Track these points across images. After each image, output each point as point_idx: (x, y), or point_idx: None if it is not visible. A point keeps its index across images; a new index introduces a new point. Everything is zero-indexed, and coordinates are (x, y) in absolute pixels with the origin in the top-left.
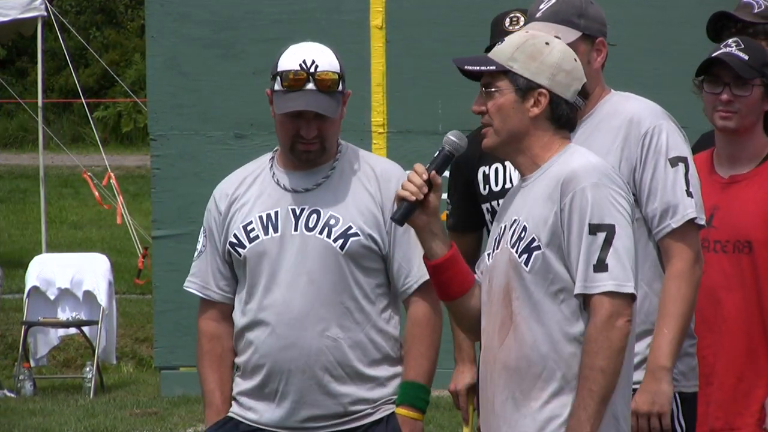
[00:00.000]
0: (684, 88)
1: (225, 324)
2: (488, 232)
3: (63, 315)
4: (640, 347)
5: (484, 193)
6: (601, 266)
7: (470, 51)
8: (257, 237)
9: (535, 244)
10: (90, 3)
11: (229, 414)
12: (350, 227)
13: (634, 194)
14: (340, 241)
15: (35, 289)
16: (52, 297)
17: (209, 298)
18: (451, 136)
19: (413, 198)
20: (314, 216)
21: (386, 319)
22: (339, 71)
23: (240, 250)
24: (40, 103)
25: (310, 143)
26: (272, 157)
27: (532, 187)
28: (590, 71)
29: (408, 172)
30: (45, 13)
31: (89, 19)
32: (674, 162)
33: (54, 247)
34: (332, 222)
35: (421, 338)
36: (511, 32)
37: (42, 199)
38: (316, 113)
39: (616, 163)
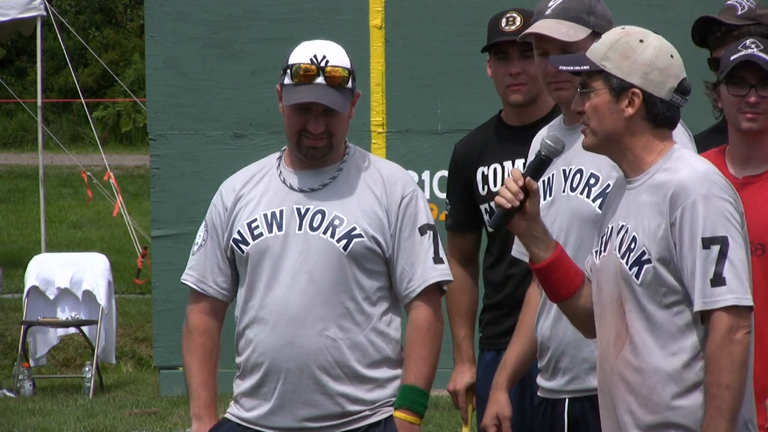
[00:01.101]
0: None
1: (215, 319)
2: (487, 232)
3: (62, 315)
4: None
5: (483, 193)
6: (718, 280)
7: (469, 51)
8: (261, 234)
9: (645, 257)
10: (89, 3)
11: (226, 415)
12: (354, 228)
13: None
14: (344, 242)
15: (34, 288)
16: (51, 297)
17: (204, 292)
18: (548, 140)
19: (509, 205)
20: (319, 216)
21: (387, 321)
22: (350, 68)
23: (243, 247)
24: (39, 103)
25: (317, 139)
26: (280, 156)
27: (638, 193)
28: None
29: (410, 173)
30: (44, 13)
31: (88, 18)
32: None
33: (53, 246)
34: (336, 222)
35: (421, 342)
36: (508, 32)
37: (41, 198)
38: (324, 108)
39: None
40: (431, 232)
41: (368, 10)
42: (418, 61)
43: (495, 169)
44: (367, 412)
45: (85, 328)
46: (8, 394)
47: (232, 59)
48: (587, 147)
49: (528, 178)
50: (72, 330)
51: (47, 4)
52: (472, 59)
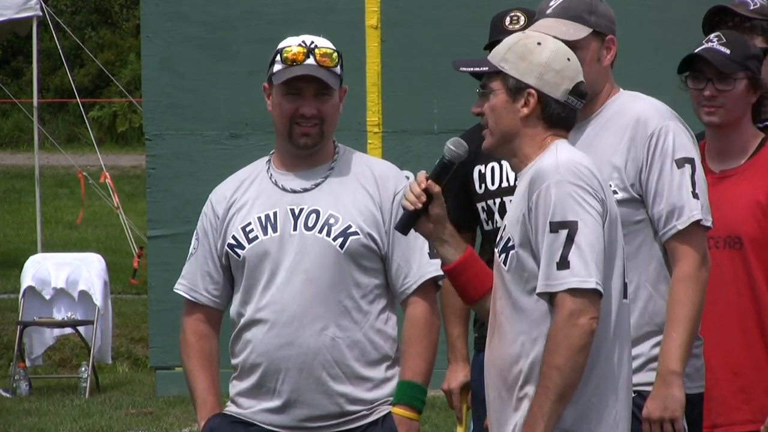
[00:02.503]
0: (679, 88)
1: (210, 325)
2: (482, 231)
3: (58, 315)
4: (644, 349)
5: (480, 191)
6: (563, 263)
7: (466, 51)
8: (256, 237)
9: (510, 243)
10: (85, 3)
11: (225, 412)
12: (350, 226)
13: (640, 195)
14: (340, 240)
15: (30, 289)
16: (47, 297)
17: (196, 300)
18: (450, 145)
19: (412, 207)
20: (313, 215)
21: (384, 319)
22: (339, 53)
23: (239, 251)
24: (35, 103)
25: (310, 125)
26: (268, 160)
27: (517, 189)
28: (600, 69)
29: (406, 172)
30: (40, 13)
31: (84, 18)
32: (680, 163)
33: (49, 247)
34: (332, 221)
35: (418, 338)
36: (511, 31)
37: (37, 199)
38: (315, 92)
39: (622, 163)
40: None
41: (364, 10)
42: (414, 61)
43: (492, 168)
44: (365, 412)
45: (81, 329)
46: (4, 394)
47: (228, 60)
48: (486, 149)
49: (430, 182)
50: (68, 330)
51: (43, 4)
52: None
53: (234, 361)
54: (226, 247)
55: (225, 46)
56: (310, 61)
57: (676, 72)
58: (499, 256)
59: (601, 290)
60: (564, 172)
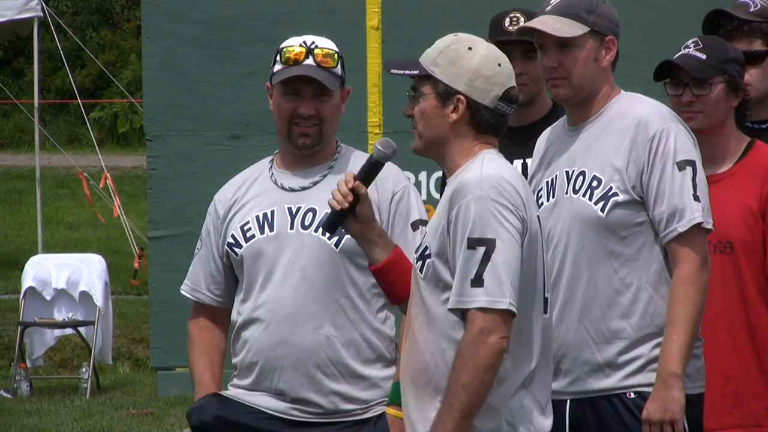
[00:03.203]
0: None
1: (215, 323)
2: None
3: (59, 315)
4: (644, 350)
5: None
6: (478, 281)
7: None
8: (253, 236)
9: (427, 252)
10: (86, 4)
11: (221, 393)
12: None
13: (641, 197)
14: (335, 239)
15: (31, 289)
16: (48, 297)
17: (199, 300)
18: (378, 145)
19: (339, 207)
20: (310, 214)
21: (381, 319)
22: (338, 52)
23: (237, 250)
24: (36, 104)
25: (308, 125)
26: (272, 159)
27: (443, 195)
28: (597, 69)
29: (406, 173)
30: (41, 14)
31: (85, 19)
32: (682, 165)
33: (50, 247)
34: None
35: None
36: (510, 32)
37: (38, 199)
38: (314, 93)
39: (623, 165)
40: (423, 228)
41: (365, 11)
42: None
43: None
44: (359, 411)
45: (81, 329)
46: (5, 394)
47: (228, 60)
48: (415, 150)
49: (357, 182)
50: (69, 331)
51: (44, 5)
52: None
53: (234, 360)
54: (226, 246)
55: (226, 47)
56: (310, 61)
57: None
58: (416, 262)
59: (515, 310)
60: (486, 188)
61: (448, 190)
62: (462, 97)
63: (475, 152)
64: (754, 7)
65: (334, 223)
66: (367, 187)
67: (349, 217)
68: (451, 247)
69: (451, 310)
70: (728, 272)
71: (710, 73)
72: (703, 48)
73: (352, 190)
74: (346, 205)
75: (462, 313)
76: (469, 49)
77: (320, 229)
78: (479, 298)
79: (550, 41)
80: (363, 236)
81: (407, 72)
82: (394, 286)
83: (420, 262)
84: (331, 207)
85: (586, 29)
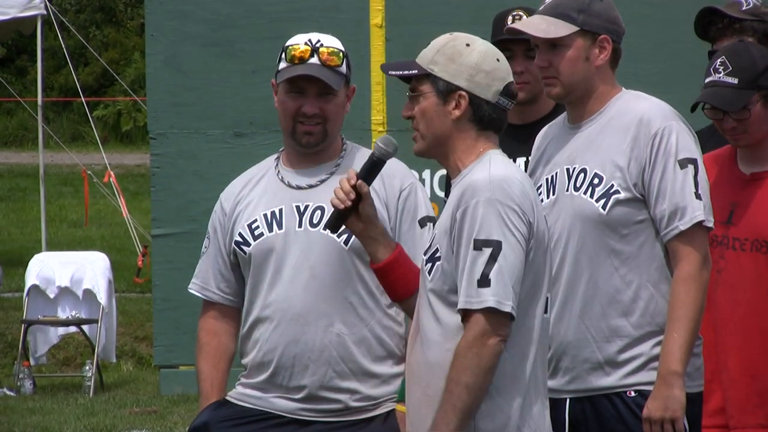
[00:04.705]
0: (683, 87)
1: (223, 322)
2: None
3: (63, 313)
4: (645, 348)
5: None
6: (484, 281)
7: None
8: (262, 234)
9: (437, 254)
10: (89, 1)
11: (226, 398)
12: None
13: (642, 195)
14: (344, 236)
15: (35, 287)
16: (51, 295)
17: (209, 298)
18: (380, 143)
19: (341, 205)
20: (318, 212)
21: (391, 316)
22: (344, 51)
23: (245, 248)
24: (39, 102)
25: (312, 124)
26: (277, 157)
27: (452, 194)
28: (588, 68)
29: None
30: (44, 12)
31: (89, 17)
32: (683, 164)
33: (53, 245)
34: None
35: None
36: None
37: (42, 197)
38: (318, 91)
39: (625, 163)
40: (431, 224)
41: (369, 8)
42: None
43: None
44: (369, 407)
45: (85, 327)
46: (8, 392)
47: (232, 58)
48: (418, 152)
49: (359, 181)
50: (72, 329)
51: (47, 2)
52: None
53: (244, 361)
54: (233, 244)
55: (229, 45)
56: (314, 60)
57: (677, 71)
58: (425, 264)
59: (515, 314)
60: (495, 190)
61: (456, 191)
62: (464, 93)
63: (479, 151)
64: (747, 6)
65: (336, 221)
66: (369, 184)
67: (351, 215)
68: (455, 247)
69: (460, 310)
70: (762, 271)
71: (746, 98)
72: (732, 71)
73: (354, 188)
74: (349, 203)
75: (463, 314)
76: (467, 45)
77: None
78: (487, 299)
79: (540, 41)
80: (366, 234)
81: (405, 72)
82: (396, 285)
83: (429, 264)
84: (334, 206)
85: (575, 29)
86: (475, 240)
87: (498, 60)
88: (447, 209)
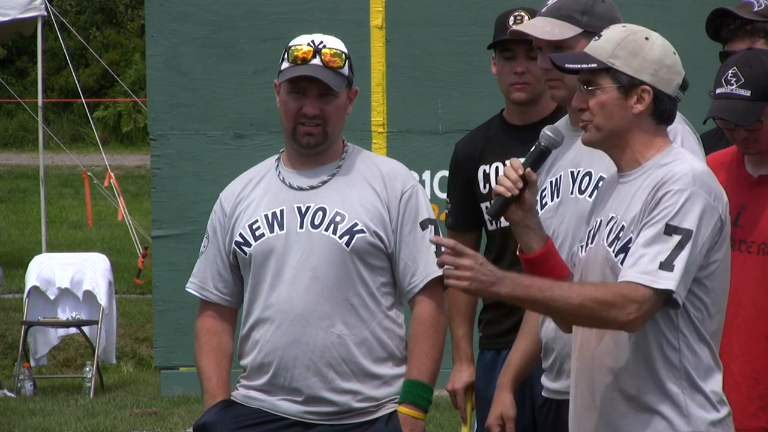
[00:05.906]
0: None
1: (222, 322)
2: (486, 231)
3: (63, 315)
4: None
5: (484, 191)
6: (668, 266)
7: (470, 51)
8: (263, 235)
9: (630, 245)
10: (90, 3)
11: (231, 398)
12: (356, 224)
13: None
14: (346, 238)
15: (35, 288)
16: (52, 297)
17: (207, 298)
18: (548, 131)
19: (509, 193)
20: (320, 213)
21: (392, 317)
22: (346, 53)
23: (246, 248)
24: (40, 103)
25: (312, 125)
26: (278, 158)
27: (632, 185)
28: None
29: (411, 172)
30: (45, 13)
31: (89, 18)
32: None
33: (54, 246)
34: (338, 219)
35: (425, 337)
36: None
37: (42, 198)
38: (319, 93)
39: None
40: (432, 227)
41: (369, 10)
42: (418, 61)
43: (497, 168)
44: (371, 408)
45: (85, 328)
46: (9, 394)
47: (232, 59)
48: (587, 142)
49: (528, 169)
50: (72, 330)
51: (48, 4)
52: (473, 59)
53: (243, 362)
54: (233, 245)
55: (230, 46)
56: (316, 61)
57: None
58: (616, 256)
59: (681, 304)
60: (700, 185)
61: (647, 181)
62: (648, 88)
63: (660, 145)
64: (758, 7)
65: (501, 209)
66: (535, 173)
67: (513, 204)
68: (640, 221)
69: (629, 282)
70: None
71: (758, 110)
72: (745, 82)
73: (522, 176)
74: (516, 191)
75: (629, 286)
76: (647, 39)
77: (330, 229)
78: (669, 282)
79: (544, 43)
80: (523, 223)
81: (584, 66)
82: (547, 277)
83: (621, 255)
84: (500, 194)
85: (578, 30)
86: (667, 224)
87: (674, 53)
88: (635, 200)
